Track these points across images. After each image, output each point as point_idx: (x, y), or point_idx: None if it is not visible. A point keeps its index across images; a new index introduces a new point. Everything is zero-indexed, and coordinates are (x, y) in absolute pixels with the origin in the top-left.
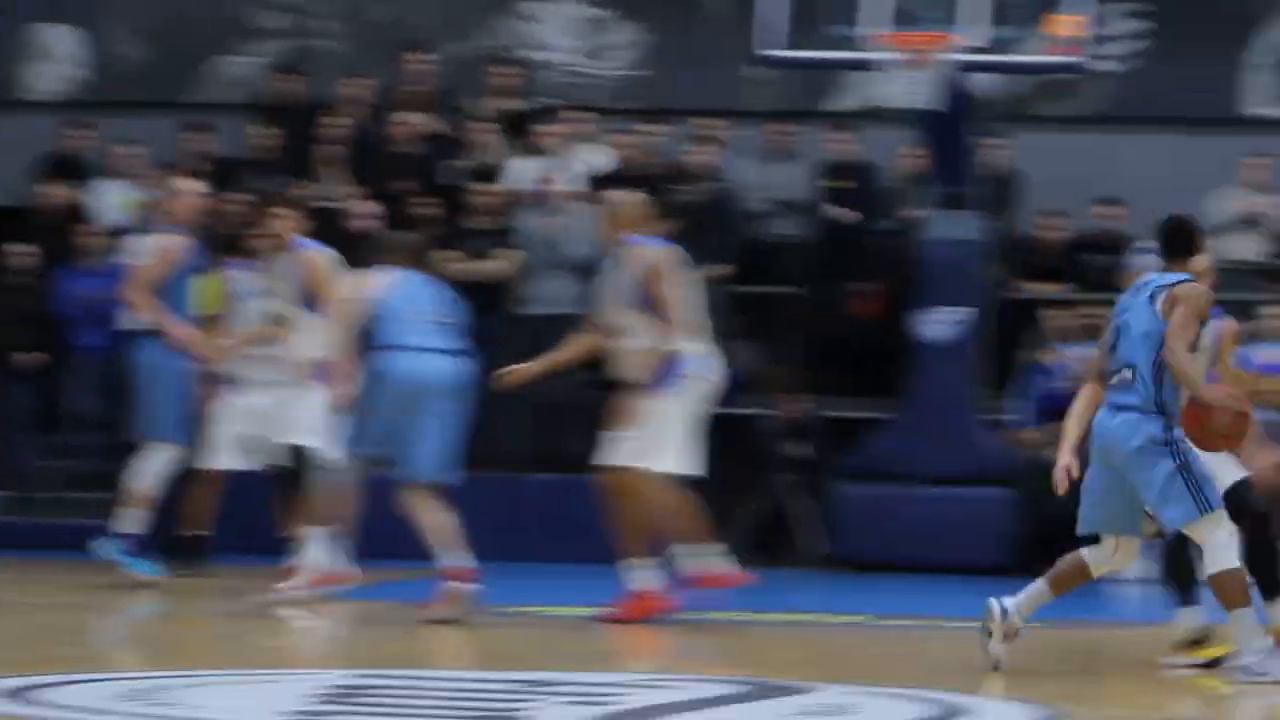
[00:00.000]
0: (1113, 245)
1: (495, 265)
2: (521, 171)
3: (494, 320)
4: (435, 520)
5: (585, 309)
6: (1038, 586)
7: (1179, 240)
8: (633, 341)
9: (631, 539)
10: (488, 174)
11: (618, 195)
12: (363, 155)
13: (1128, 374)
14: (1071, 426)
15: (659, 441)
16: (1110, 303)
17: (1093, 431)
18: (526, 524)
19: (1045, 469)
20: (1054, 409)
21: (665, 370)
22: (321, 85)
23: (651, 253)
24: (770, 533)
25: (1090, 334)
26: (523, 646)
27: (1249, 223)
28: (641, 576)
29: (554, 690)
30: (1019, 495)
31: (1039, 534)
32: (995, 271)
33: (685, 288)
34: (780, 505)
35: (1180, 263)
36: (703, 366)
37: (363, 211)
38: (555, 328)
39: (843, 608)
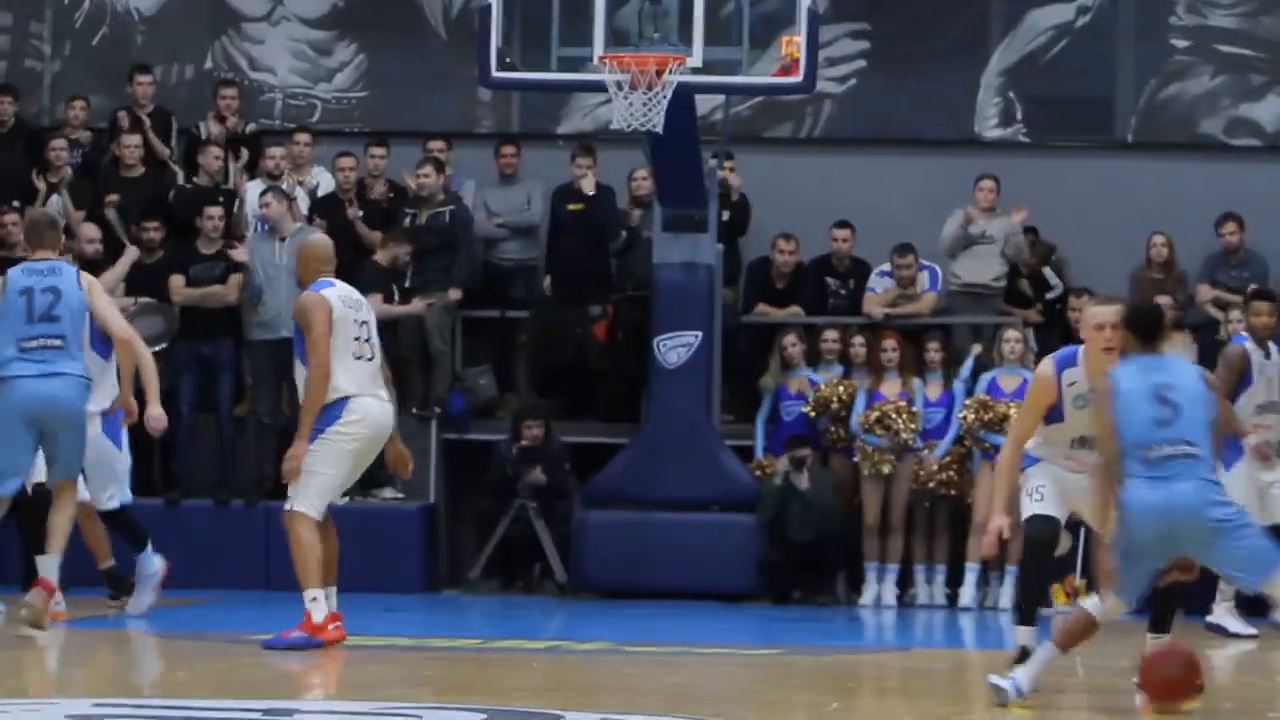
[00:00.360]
0: (846, 269)
1: (224, 290)
2: (248, 195)
3: (225, 346)
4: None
5: None
6: (1046, 651)
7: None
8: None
9: (299, 570)
10: (214, 198)
11: (307, 239)
12: (88, 178)
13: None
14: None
15: (307, 482)
16: (846, 327)
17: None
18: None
19: (788, 494)
20: (794, 435)
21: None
22: (40, 107)
23: (306, 297)
24: (512, 560)
25: (825, 359)
26: (262, 675)
27: (981, 244)
28: (313, 606)
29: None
30: (763, 520)
31: (785, 559)
32: (729, 295)
33: (349, 330)
34: (522, 533)
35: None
36: (362, 409)
37: (90, 235)
38: (285, 353)
39: (586, 634)
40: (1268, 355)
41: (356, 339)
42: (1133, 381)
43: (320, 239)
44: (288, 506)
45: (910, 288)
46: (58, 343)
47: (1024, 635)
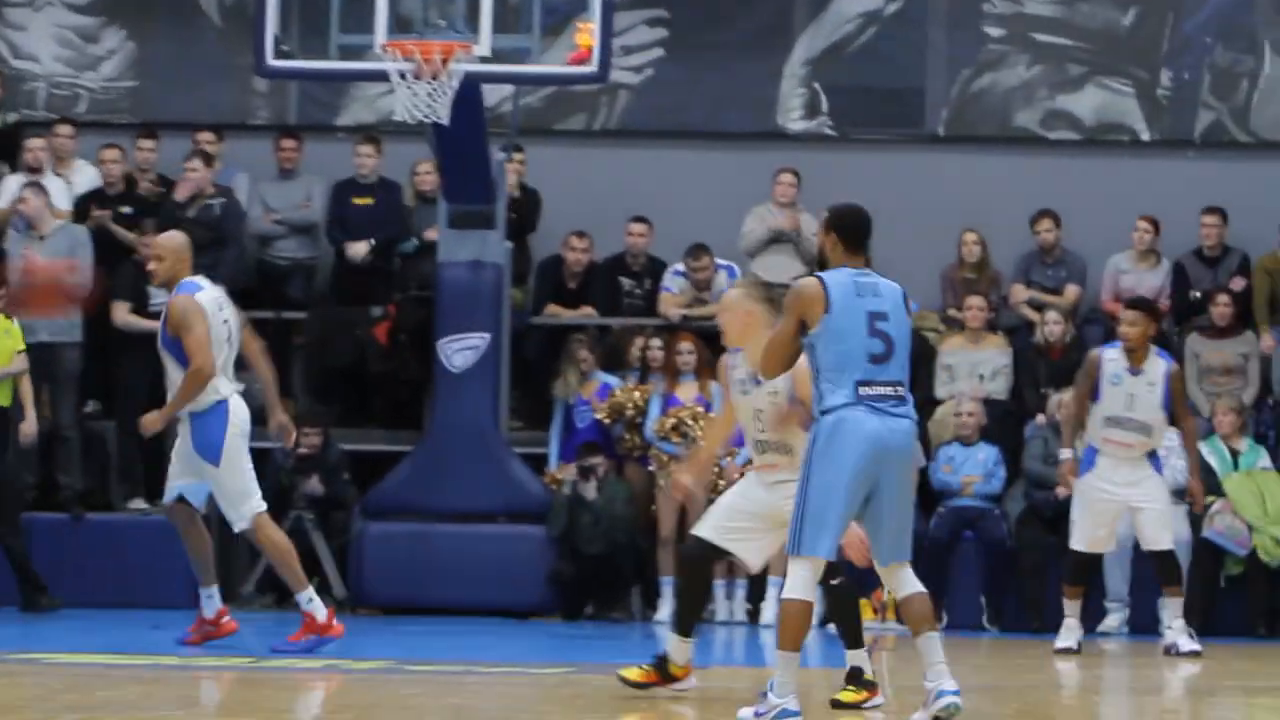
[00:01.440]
0: (642, 267)
1: None
2: (5, 189)
3: None
4: None
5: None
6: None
7: None
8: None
9: (289, 575)
10: None
11: (166, 237)
12: None
13: None
14: None
15: (237, 494)
16: (640, 328)
17: None
18: None
19: (577, 504)
20: (586, 443)
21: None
22: None
23: (183, 300)
24: None
25: (620, 362)
26: (19, 696)
27: (782, 240)
28: (312, 607)
29: None
30: (553, 533)
31: (576, 573)
32: (518, 295)
33: (218, 328)
34: (298, 545)
35: None
36: (238, 407)
37: None
38: (45, 356)
39: (365, 652)
40: (1135, 370)
41: (227, 340)
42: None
43: (180, 236)
44: (243, 525)
45: (706, 290)
46: None
47: (674, 645)
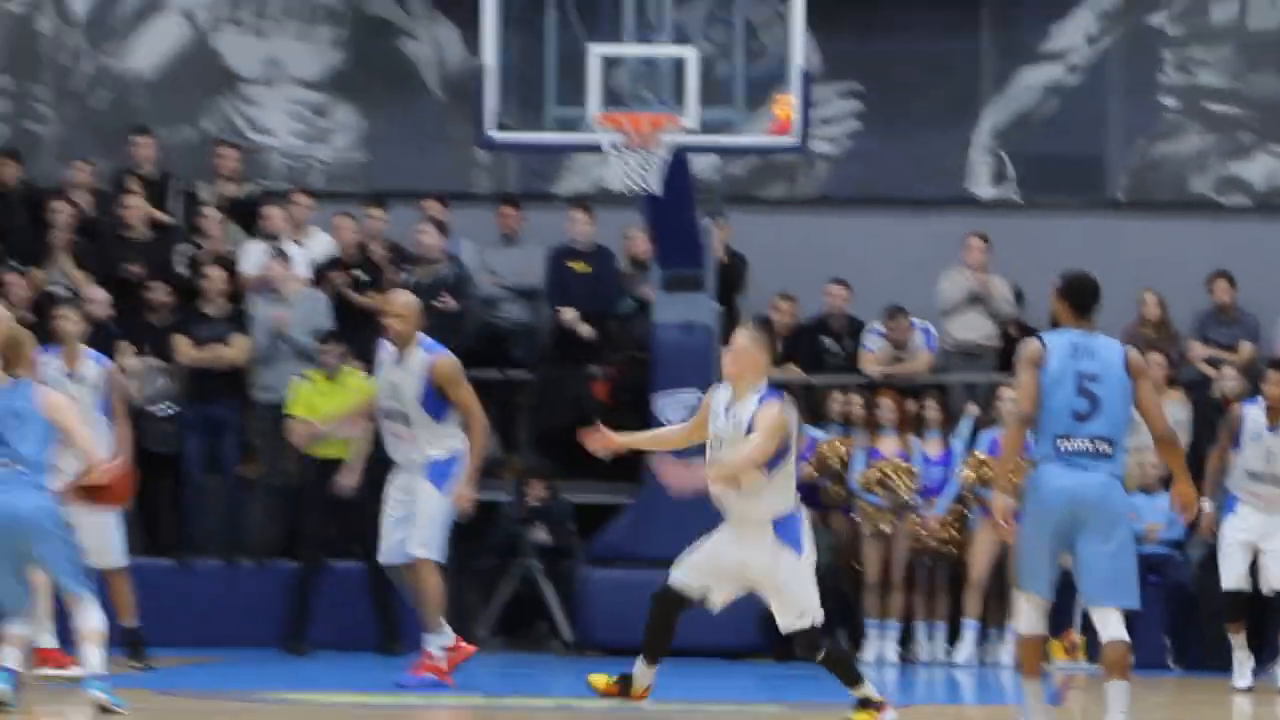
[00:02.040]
0: (842, 327)
1: (229, 351)
2: (249, 257)
3: (229, 407)
4: None
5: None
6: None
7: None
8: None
9: (430, 613)
10: (216, 259)
11: (403, 298)
12: (91, 240)
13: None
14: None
15: (435, 530)
16: (843, 386)
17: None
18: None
19: None
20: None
21: (450, 465)
22: (42, 170)
23: (445, 359)
24: (518, 618)
25: (823, 417)
26: None
27: (976, 303)
28: (440, 640)
29: None
30: None
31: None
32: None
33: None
34: (527, 591)
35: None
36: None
37: (96, 297)
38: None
39: (594, 692)
40: (1274, 428)
41: None
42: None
43: (414, 297)
44: (423, 553)
45: (903, 349)
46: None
47: (640, 669)
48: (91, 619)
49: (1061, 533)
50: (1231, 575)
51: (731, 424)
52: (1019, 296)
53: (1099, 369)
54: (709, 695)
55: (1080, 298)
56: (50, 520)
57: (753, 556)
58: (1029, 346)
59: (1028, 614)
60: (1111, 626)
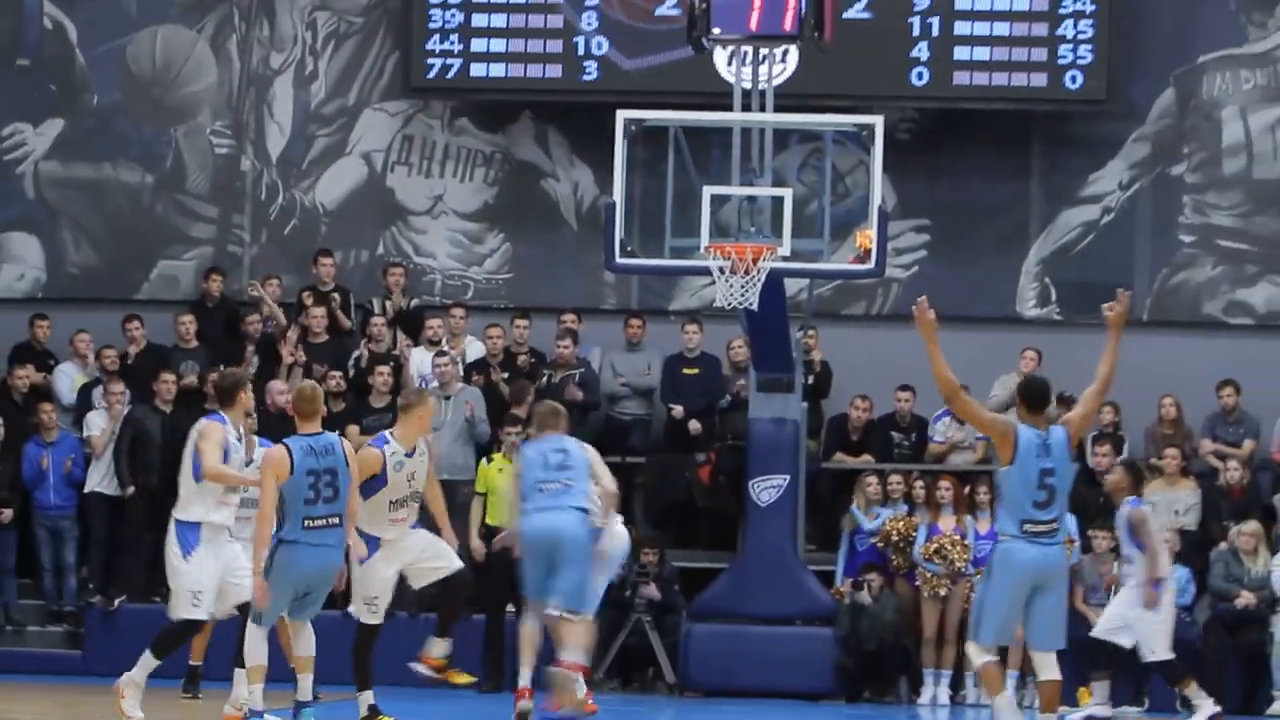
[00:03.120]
0: (908, 424)
1: None
2: (412, 359)
3: None
4: None
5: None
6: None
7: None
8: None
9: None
10: (386, 360)
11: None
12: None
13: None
14: None
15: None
16: (909, 472)
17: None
18: None
19: (858, 611)
20: (867, 563)
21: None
22: (240, 285)
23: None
24: (630, 664)
25: (891, 499)
26: None
27: None
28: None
29: None
30: (839, 633)
31: (856, 665)
32: (813, 445)
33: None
34: (638, 641)
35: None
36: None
37: (280, 389)
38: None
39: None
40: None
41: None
42: (1026, 458)
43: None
44: (591, 612)
45: (961, 443)
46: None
47: (361, 699)
48: None
49: (1023, 595)
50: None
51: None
52: (1059, 398)
53: (1054, 464)
54: None
55: (1035, 398)
56: None
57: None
58: (1008, 424)
59: (979, 654)
60: (1049, 666)
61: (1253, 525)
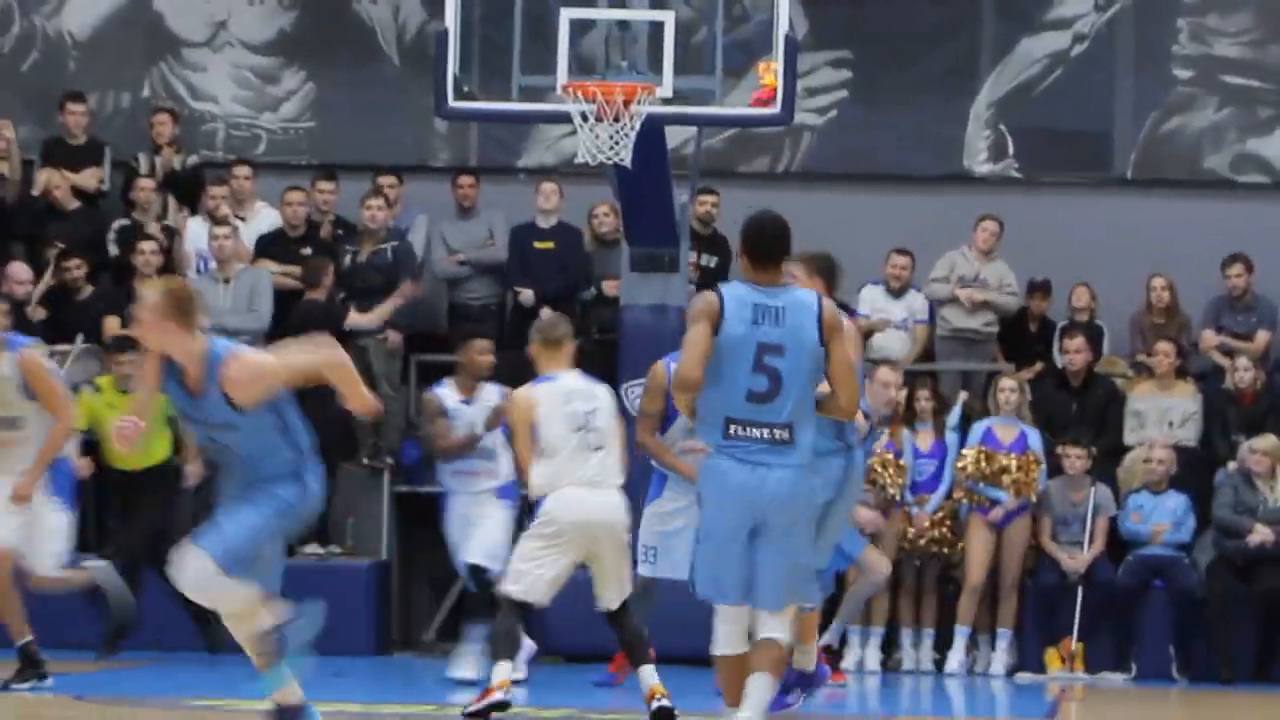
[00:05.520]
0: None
1: None
2: (190, 232)
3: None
4: None
5: None
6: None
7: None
8: None
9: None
10: (152, 234)
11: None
12: (14, 213)
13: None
14: None
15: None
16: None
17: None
18: None
19: None
20: None
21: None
22: None
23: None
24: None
25: None
26: None
27: (973, 288)
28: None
29: None
30: None
31: None
32: None
33: None
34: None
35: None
36: None
37: (20, 276)
38: None
39: (548, 701)
40: None
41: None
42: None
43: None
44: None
45: (903, 294)
46: None
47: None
48: None
49: (738, 536)
50: None
51: None
52: (1031, 285)
53: (783, 339)
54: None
55: (763, 245)
56: None
57: None
58: (704, 299)
59: (722, 629)
60: (771, 626)
61: (1269, 441)
